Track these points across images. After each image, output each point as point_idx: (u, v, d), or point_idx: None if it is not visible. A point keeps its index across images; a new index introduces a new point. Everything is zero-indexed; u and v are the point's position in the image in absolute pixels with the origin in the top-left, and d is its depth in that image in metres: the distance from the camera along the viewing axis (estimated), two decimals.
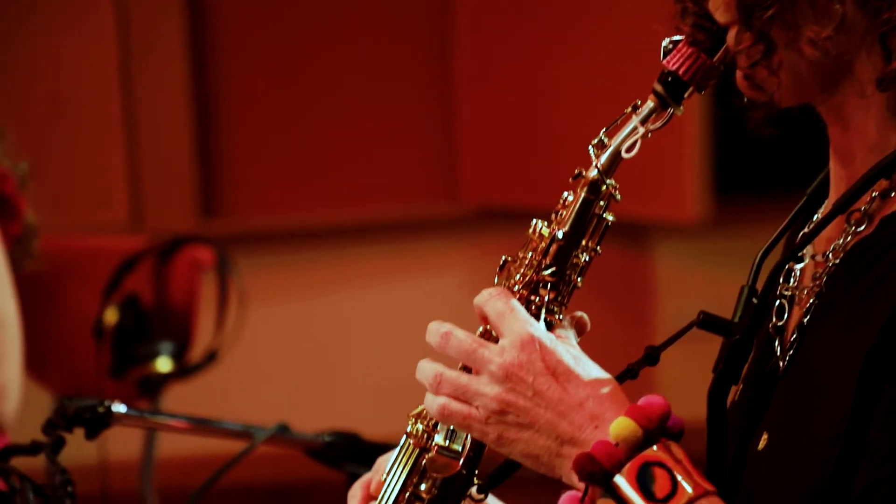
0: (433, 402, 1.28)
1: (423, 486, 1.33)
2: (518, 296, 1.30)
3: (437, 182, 5.03)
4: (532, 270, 1.30)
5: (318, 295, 5.04)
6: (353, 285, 5.04)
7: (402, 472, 1.33)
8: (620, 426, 1.21)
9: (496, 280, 1.32)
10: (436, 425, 1.32)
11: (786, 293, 1.34)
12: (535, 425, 1.24)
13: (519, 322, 1.26)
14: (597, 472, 1.20)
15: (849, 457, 1.19)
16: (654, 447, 1.20)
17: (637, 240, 5.03)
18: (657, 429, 1.21)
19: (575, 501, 1.22)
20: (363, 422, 4.17)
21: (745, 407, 1.34)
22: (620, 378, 1.29)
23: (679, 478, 1.19)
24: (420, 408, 1.34)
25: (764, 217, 5.13)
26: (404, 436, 1.35)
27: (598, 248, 1.31)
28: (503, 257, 1.32)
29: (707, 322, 1.28)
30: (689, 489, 1.18)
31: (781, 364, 1.31)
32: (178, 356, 3.05)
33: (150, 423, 1.90)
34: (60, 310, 3.25)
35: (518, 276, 1.30)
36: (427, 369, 1.30)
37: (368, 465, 2.11)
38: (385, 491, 1.34)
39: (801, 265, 1.34)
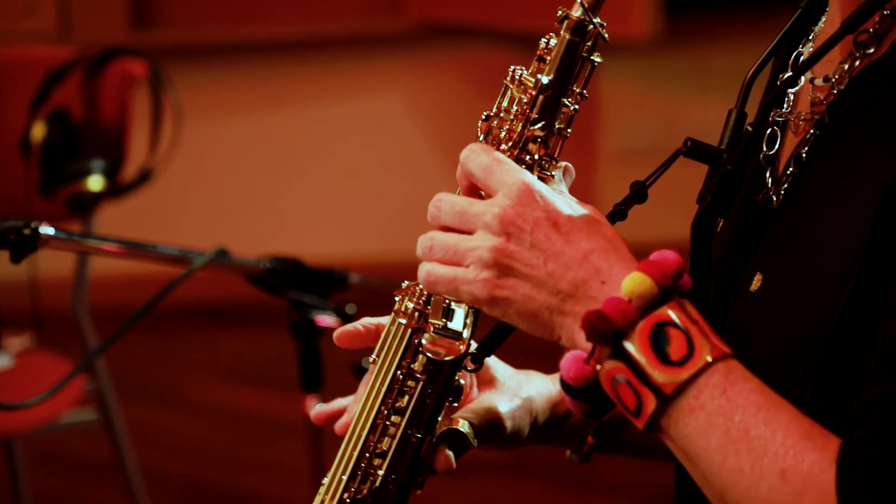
0: (420, 271, 1.16)
1: (415, 365, 1.23)
2: (507, 154, 1.17)
3: None
4: (519, 125, 1.18)
5: (255, 113, 4.97)
6: (293, 103, 4.96)
7: (394, 353, 1.24)
8: (634, 282, 1.08)
9: (479, 138, 1.20)
10: (427, 302, 1.22)
11: (778, 119, 1.24)
12: (533, 278, 1.11)
13: (510, 172, 1.14)
14: (609, 330, 1.07)
15: (860, 299, 1.09)
16: (669, 306, 1.08)
17: None
18: (671, 286, 1.08)
19: (579, 362, 1.10)
20: (302, 244, 4.14)
21: (731, 241, 1.24)
22: (609, 218, 1.16)
23: (696, 339, 1.07)
24: (406, 283, 1.24)
25: (714, 34, 5.08)
26: (392, 314, 1.25)
27: (585, 92, 1.19)
28: (484, 114, 1.20)
29: (694, 150, 1.17)
30: (706, 352, 1.06)
31: (774, 198, 1.21)
32: (111, 174, 2.95)
33: (81, 247, 1.81)
34: None
35: (504, 133, 1.19)
36: (422, 238, 1.17)
37: (310, 291, 2.07)
38: (377, 373, 1.24)
39: (795, 89, 1.24)
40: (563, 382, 1.11)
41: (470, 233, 1.14)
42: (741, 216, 1.23)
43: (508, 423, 1.31)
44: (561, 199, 1.13)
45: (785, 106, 1.24)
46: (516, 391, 1.33)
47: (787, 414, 1.06)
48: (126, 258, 1.91)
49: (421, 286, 1.22)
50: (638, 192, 1.19)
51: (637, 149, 5.01)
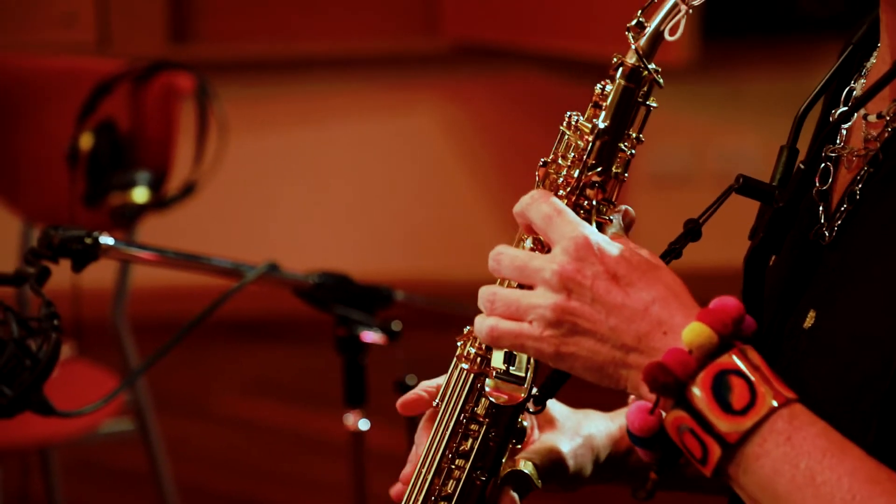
0: (482, 325, 1.16)
1: (478, 409, 1.25)
2: (564, 201, 1.18)
3: (417, 16, 4.94)
4: (576, 171, 1.19)
5: (293, 128, 4.98)
6: (330, 119, 4.97)
7: (457, 397, 1.25)
8: (694, 332, 1.08)
9: (536, 184, 1.21)
10: (489, 347, 1.23)
11: (831, 155, 1.23)
12: (597, 333, 1.11)
13: (570, 224, 1.14)
14: (670, 382, 1.08)
15: None
16: (730, 353, 1.08)
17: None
18: (732, 333, 1.08)
19: (644, 413, 1.11)
20: (340, 259, 4.15)
21: (783, 277, 1.24)
22: (664, 257, 1.17)
23: (758, 386, 1.07)
24: (468, 328, 1.24)
25: (748, 61, 5.09)
26: (454, 359, 1.26)
27: (641, 136, 1.20)
28: (542, 160, 1.21)
29: (746, 187, 1.17)
30: (770, 398, 1.06)
31: (827, 234, 1.21)
32: (155, 187, 2.96)
33: (137, 257, 1.82)
34: (32, 133, 3.16)
35: (561, 179, 1.20)
36: (483, 292, 1.17)
37: (357, 307, 2.09)
38: (440, 417, 1.26)
39: (848, 124, 1.23)
40: (630, 433, 1.13)
41: (531, 287, 1.14)
42: (794, 252, 1.23)
43: (571, 462, 1.32)
44: (619, 248, 1.13)
45: (838, 141, 1.24)
46: (576, 430, 1.34)
47: (854, 458, 1.06)
48: (179, 269, 1.92)
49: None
50: (692, 231, 1.19)
51: (669, 173, 5.01)
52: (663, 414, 1.10)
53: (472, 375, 1.25)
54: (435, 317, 4.25)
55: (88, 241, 1.67)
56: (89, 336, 3.02)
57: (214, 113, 3.05)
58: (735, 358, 1.08)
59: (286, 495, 3.79)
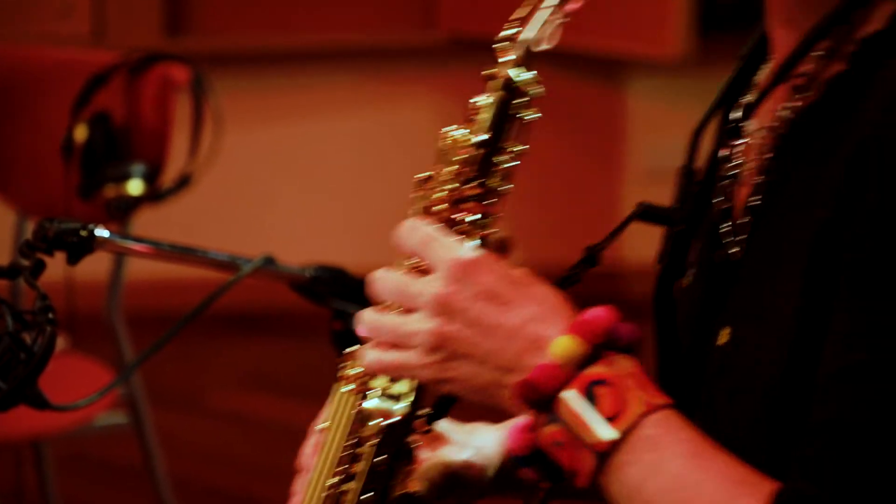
0: (366, 356, 1.16)
1: (365, 431, 1.24)
2: (446, 214, 1.18)
3: (414, 9, 4.93)
4: (456, 184, 1.19)
5: (287, 121, 4.98)
6: (324, 112, 4.97)
7: (343, 419, 1.25)
8: (562, 345, 1.08)
9: (416, 197, 1.21)
10: None
11: (729, 171, 1.23)
12: (475, 357, 1.11)
13: (444, 248, 1.14)
14: (539, 398, 1.08)
15: (804, 345, 1.08)
16: (599, 363, 1.08)
17: (611, 76, 4.96)
18: (603, 343, 1.09)
19: (522, 432, 1.11)
20: (337, 252, 4.14)
21: (698, 296, 1.23)
22: (563, 283, 1.17)
23: (628, 394, 1.07)
24: (350, 349, 1.25)
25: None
26: (337, 381, 1.26)
27: (521, 147, 1.20)
28: (421, 175, 1.21)
29: (647, 213, 1.18)
30: (637, 406, 1.07)
31: (733, 250, 1.20)
32: (151, 179, 2.95)
33: (132, 250, 1.81)
34: (26, 125, 3.15)
35: (440, 194, 1.19)
36: (365, 319, 1.18)
37: (353, 300, 2.08)
38: (328, 440, 1.26)
39: (742, 140, 1.23)
40: (510, 454, 1.13)
41: (412, 311, 1.14)
42: (707, 272, 1.22)
43: (464, 476, 1.32)
44: (496, 266, 1.13)
45: (734, 157, 1.23)
46: (465, 443, 1.34)
47: (721, 462, 1.06)
48: (175, 262, 1.91)
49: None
50: (591, 257, 1.19)
51: (663, 168, 5.00)
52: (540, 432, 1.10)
53: (355, 396, 1.24)
54: None
55: (84, 233, 1.66)
56: (83, 329, 3.01)
57: (210, 105, 3.04)
58: (604, 368, 1.08)
59: (280, 490, 3.78)
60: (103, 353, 3.14)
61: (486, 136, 1.18)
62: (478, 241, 1.18)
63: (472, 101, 1.20)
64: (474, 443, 1.34)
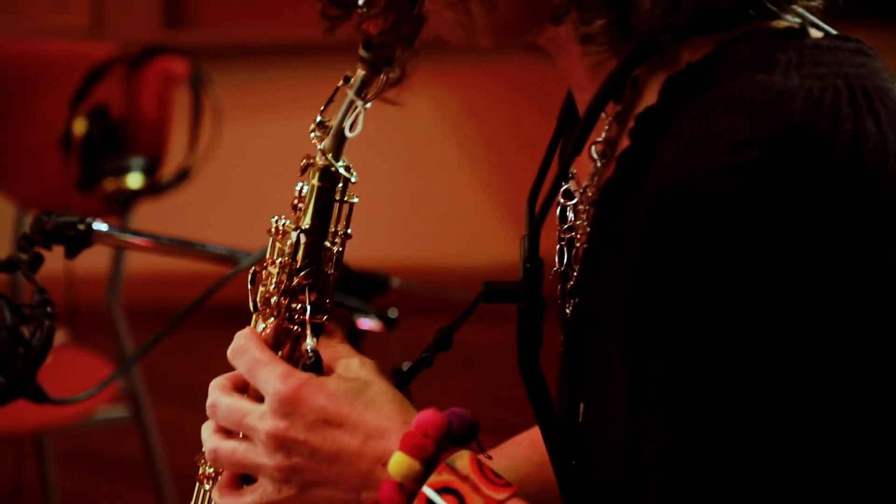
0: (215, 454, 1.19)
1: None
2: (278, 307, 1.19)
3: None
4: (285, 275, 1.19)
5: (290, 114, 4.97)
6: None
7: None
8: (396, 465, 1.10)
9: (249, 291, 1.22)
10: None
11: (564, 235, 1.22)
12: (327, 482, 1.14)
13: (271, 377, 1.15)
14: None
15: (637, 425, 1.08)
16: (437, 472, 1.10)
17: None
18: (436, 451, 1.11)
19: None
20: None
21: (564, 367, 1.23)
22: (415, 367, 1.19)
23: (468, 499, 1.09)
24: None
25: None
26: (197, 482, 1.27)
27: (348, 231, 1.23)
28: (252, 270, 1.22)
29: (491, 293, 1.17)
30: None
31: (568, 310, 1.19)
32: (150, 172, 2.95)
33: (131, 243, 1.81)
34: (25, 118, 3.14)
35: (272, 286, 1.20)
36: (210, 444, 1.20)
37: (353, 294, 2.07)
38: None
39: (574, 201, 1.22)
40: None
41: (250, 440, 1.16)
42: (564, 340, 1.22)
43: None
44: (329, 382, 1.14)
45: (566, 220, 1.22)
46: None
47: None
48: (174, 256, 1.91)
49: None
50: (442, 339, 1.20)
51: None
52: None
53: (211, 494, 1.24)
54: (432, 303, 4.24)
55: (81, 227, 1.66)
56: (83, 322, 3.01)
57: (209, 98, 3.04)
58: (443, 477, 1.10)
59: None
60: (103, 346, 3.14)
61: (310, 226, 1.20)
62: (316, 326, 1.18)
63: (295, 188, 1.22)
64: None
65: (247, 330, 1.20)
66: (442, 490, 1.10)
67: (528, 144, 5.33)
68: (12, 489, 3.11)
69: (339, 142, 1.23)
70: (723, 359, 1.00)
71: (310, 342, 1.17)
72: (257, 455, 1.15)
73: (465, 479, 1.10)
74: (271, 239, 1.22)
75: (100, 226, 1.68)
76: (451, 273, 4.84)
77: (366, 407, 1.13)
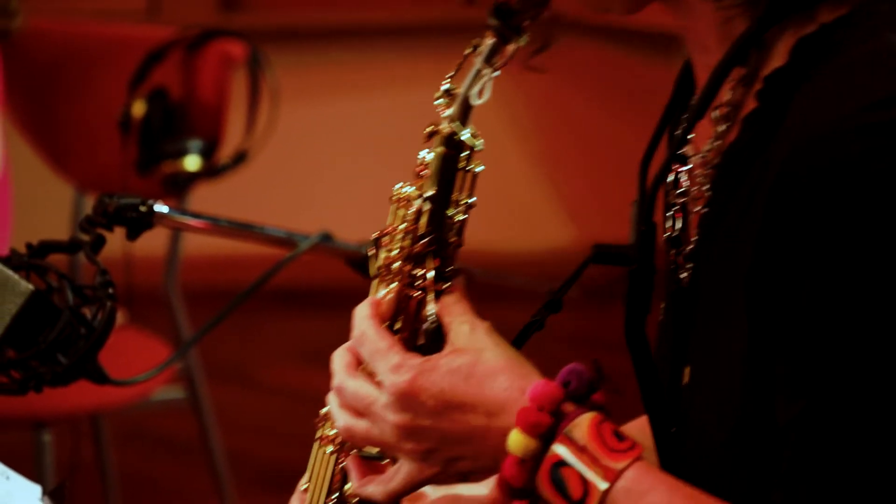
0: (339, 425, 1.22)
1: (347, 489, 1.26)
2: (400, 274, 1.20)
3: None
4: (408, 242, 1.20)
5: (345, 97, 4.98)
6: (380, 88, 4.96)
7: (322, 480, 1.27)
8: (514, 443, 1.12)
9: (370, 259, 1.23)
10: None
11: (677, 200, 1.22)
12: (464, 457, 1.16)
13: (387, 370, 1.17)
14: (513, 493, 1.13)
15: (756, 389, 1.08)
16: (555, 445, 1.11)
17: (669, 51, 4.93)
18: (553, 424, 1.11)
19: None
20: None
21: (665, 333, 1.23)
22: (527, 331, 1.20)
23: (588, 470, 1.09)
24: (325, 409, 1.27)
25: None
26: (316, 441, 1.28)
27: (472, 199, 1.22)
28: (373, 235, 1.23)
29: (602, 256, 1.18)
30: (600, 481, 1.09)
31: (683, 275, 1.20)
32: (207, 155, 2.96)
33: (191, 226, 1.82)
34: (84, 100, 3.16)
35: (396, 251, 1.21)
36: (337, 418, 1.22)
37: None
38: (309, 501, 1.28)
39: (688, 167, 1.21)
40: None
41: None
42: (668, 306, 1.23)
43: None
44: (437, 370, 1.15)
45: (681, 183, 1.22)
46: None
47: None
48: (232, 238, 1.92)
49: None
50: (552, 302, 1.20)
51: None
52: None
53: (334, 457, 1.26)
54: (483, 288, 4.24)
55: (143, 209, 1.67)
56: (141, 304, 3.03)
57: (266, 81, 3.05)
58: (560, 449, 1.10)
59: None
60: (160, 328, 3.16)
61: (434, 192, 1.20)
62: (438, 292, 1.19)
63: (418, 156, 1.22)
64: (457, 500, 1.35)
65: (365, 307, 1.21)
66: (561, 463, 1.10)
67: (579, 130, 5.32)
68: (69, 469, 3.13)
69: (465, 110, 1.22)
70: (861, 322, 1.01)
71: (431, 308, 1.18)
72: (391, 439, 1.17)
73: (582, 450, 1.10)
74: (393, 206, 1.23)
75: (161, 208, 1.69)
76: (504, 257, 4.84)
77: (481, 382, 1.14)
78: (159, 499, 3.73)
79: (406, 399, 1.15)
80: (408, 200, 1.22)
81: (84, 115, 3.16)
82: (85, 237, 1.62)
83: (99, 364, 1.55)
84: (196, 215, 1.83)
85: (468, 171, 1.22)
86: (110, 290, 1.55)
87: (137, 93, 3.00)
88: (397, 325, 1.20)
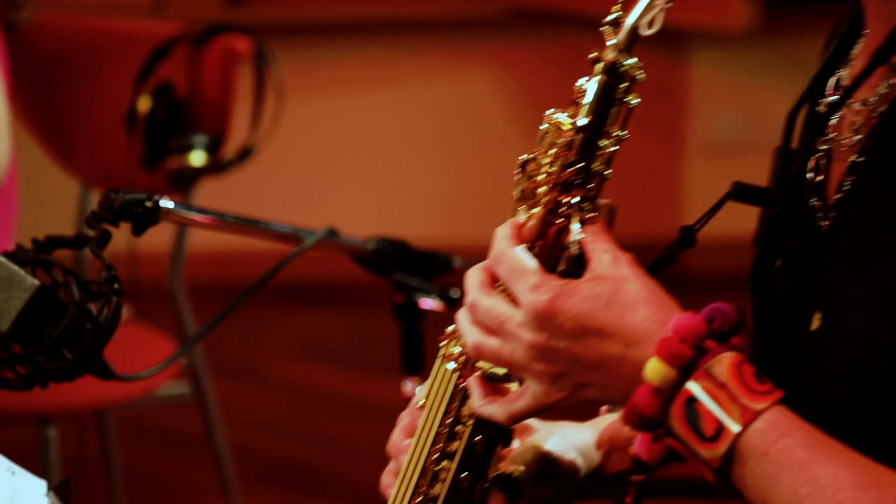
0: (468, 342, 1.19)
1: (464, 410, 1.24)
2: (546, 198, 1.19)
3: None
4: (557, 168, 1.19)
5: (348, 92, 4.97)
6: (386, 83, 4.95)
7: (441, 397, 1.25)
8: (652, 372, 1.10)
9: (516, 180, 1.22)
10: None
11: (823, 148, 1.21)
12: (594, 384, 1.14)
13: (526, 288, 1.15)
14: (642, 423, 1.11)
15: None
16: (693, 380, 1.09)
17: (674, 48, 4.92)
18: (694, 356, 1.09)
19: (647, 443, 1.12)
20: (396, 222, 4.14)
21: (790, 278, 1.22)
22: (657, 264, 1.18)
23: (725, 408, 1.08)
24: (452, 328, 1.25)
25: (811, 27, 5.02)
26: (438, 358, 1.26)
27: (623, 133, 1.20)
28: (521, 157, 1.22)
29: (742, 193, 1.18)
30: (736, 419, 1.07)
31: (824, 230, 1.19)
32: (213, 150, 2.96)
33: (196, 221, 1.82)
34: (89, 95, 3.16)
35: (542, 176, 1.20)
36: (466, 334, 1.19)
37: (415, 273, 2.08)
38: (425, 417, 1.26)
39: (837, 114, 1.21)
40: (638, 462, 1.14)
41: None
42: (798, 253, 1.22)
43: (560, 465, 1.32)
44: (578, 293, 1.13)
45: (828, 132, 1.22)
46: (560, 435, 1.35)
47: (838, 466, 1.05)
48: (238, 234, 1.91)
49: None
50: (687, 237, 1.19)
51: (725, 141, 4.97)
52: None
53: (456, 375, 1.24)
54: None
55: (149, 204, 1.67)
56: (146, 299, 3.02)
57: (272, 76, 3.04)
58: (698, 384, 1.08)
59: (340, 461, 3.80)
60: (165, 323, 3.15)
61: (589, 120, 1.18)
62: (578, 224, 1.18)
63: (576, 84, 1.20)
64: (567, 438, 1.34)
65: (506, 227, 1.20)
66: (696, 399, 1.09)
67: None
68: (74, 464, 3.13)
69: (632, 39, 1.18)
70: None
71: (575, 236, 1.17)
72: (522, 358, 1.15)
73: (721, 386, 1.08)
74: (543, 130, 1.21)
75: (166, 203, 1.69)
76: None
77: (622, 311, 1.13)
78: (164, 494, 3.72)
79: (543, 319, 1.13)
80: (558, 127, 1.20)
81: (90, 110, 3.15)
82: (90, 232, 1.61)
83: (104, 359, 1.55)
84: (201, 211, 1.83)
85: (625, 102, 1.19)
86: (116, 286, 1.54)
87: (143, 88, 2.99)
88: (535, 251, 1.19)
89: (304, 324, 4.66)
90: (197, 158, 2.93)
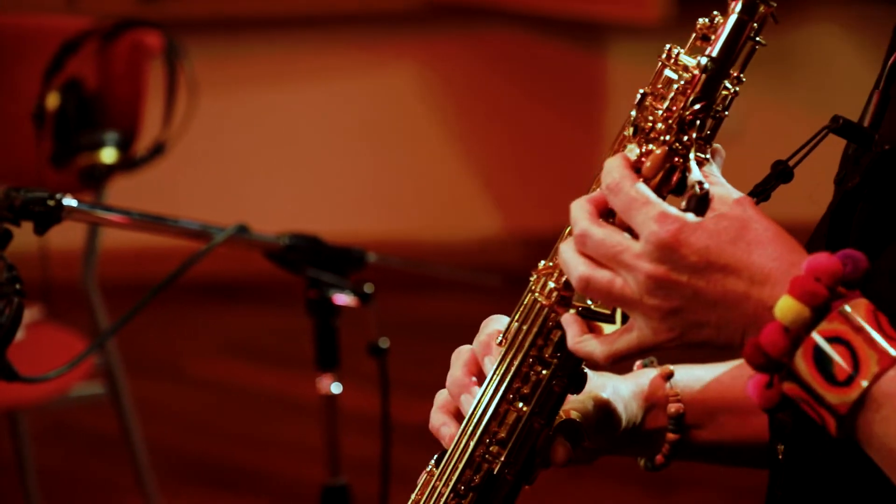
0: (575, 273, 1.12)
1: (548, 350, 1.19)
2: (665, 134, 1.12)
3: None
4: (678, 104, 1.13)
5: (265, 88, 4.94)
6: (302, 79, 4.93)
7: (525, 335, 1.19)
8: (783, 309, 1.04)
9: (633, 115, 1.15)
10: (568, 286, 1.17)
11: None
12: (708, 324, 1.08)
13: (648, 219, 1.09)
14: (770, 362, 1.05)
15: None
16: (828, 320, 1.04)
17: (591, 40, 4.93)
18: (829, 297, 1.04)
19: (761, 388, 1.07)
20: (313, 220, 4.12)
21: (870, 224, 1.17)
22: (754, 197, 1.13)
23: (860, 352, 1.03)
24: (543, 263, 1.19)
25: (804, 17, 5.04)
26: (527, 293, 1.20)
27: (743, 76, 1.15)
28: (640, 90, 1.15)
29: (844, 128, 1.12)
30: (873, 364, 1.02)
31: None
32: (124, 147, 2.92)
33: (102, 219, 1.80)
34: None
35: (661, 112, 1.14)
36: (573, 266, 1.12)
37: (328, 269, 2.06)
38: (504, 356, 1.20)
39: None
40: (759, 408, 1.09)
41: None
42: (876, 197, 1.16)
43: (617, 414, 1.28)
44: (702, 227, 1.08)
45: None
46: (612, 385, 1.30)
47: None
48: (146, 231, 1.89)
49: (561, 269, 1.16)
50: (783, 172, 1.14)
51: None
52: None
53: (546, 310, 1.18)
54: (408, 278, 4.23)
55: (51, 202, 1.64)
56: (58, 299, 2.99)
57: (184, 72, 3.01)
58: (833, 325, 1.04)
59: (259, 457, 3.78)
60: (79, 322, 3.12)
61: (717, 57, 1.13)
62: (698, 162, 1.13)
63: (704, 20, 1.16)
64: (619, 387, 1.30)
65: (619, 160, 1.13)
66: (832, 339, 1.04)
67: (507, 120, 5.32)
68: None
69: None
70: None
71: (696, 175, 1.11)
72: (635, 292, 1.09)
73: (858, 329, 1.03)
74: (661, 65, 1.15)
75: (70, 201, 1.66)
76: (426, 248, 4.83)
77: (749, 248, 1.07)
78: (81, 495, 3.69)
79: (667, 249, 1.07)
80: (680, 63, 1.14)
81: None
82: None
83: (7, 361, 1.53)
84: (109, 209, 1.80)
85: (756, 41, 1.14)
86: (17, 286, 1.52)
87: (52, 84, 2.96)
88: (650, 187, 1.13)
89: (223, 322, 4.64)
90: (108, 155, 2.90)
